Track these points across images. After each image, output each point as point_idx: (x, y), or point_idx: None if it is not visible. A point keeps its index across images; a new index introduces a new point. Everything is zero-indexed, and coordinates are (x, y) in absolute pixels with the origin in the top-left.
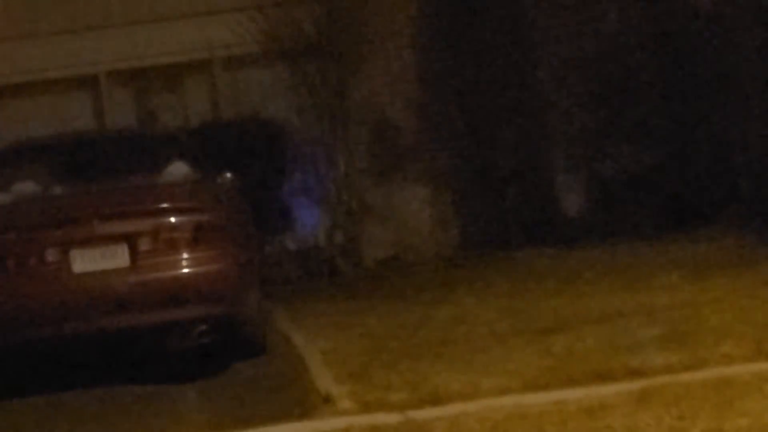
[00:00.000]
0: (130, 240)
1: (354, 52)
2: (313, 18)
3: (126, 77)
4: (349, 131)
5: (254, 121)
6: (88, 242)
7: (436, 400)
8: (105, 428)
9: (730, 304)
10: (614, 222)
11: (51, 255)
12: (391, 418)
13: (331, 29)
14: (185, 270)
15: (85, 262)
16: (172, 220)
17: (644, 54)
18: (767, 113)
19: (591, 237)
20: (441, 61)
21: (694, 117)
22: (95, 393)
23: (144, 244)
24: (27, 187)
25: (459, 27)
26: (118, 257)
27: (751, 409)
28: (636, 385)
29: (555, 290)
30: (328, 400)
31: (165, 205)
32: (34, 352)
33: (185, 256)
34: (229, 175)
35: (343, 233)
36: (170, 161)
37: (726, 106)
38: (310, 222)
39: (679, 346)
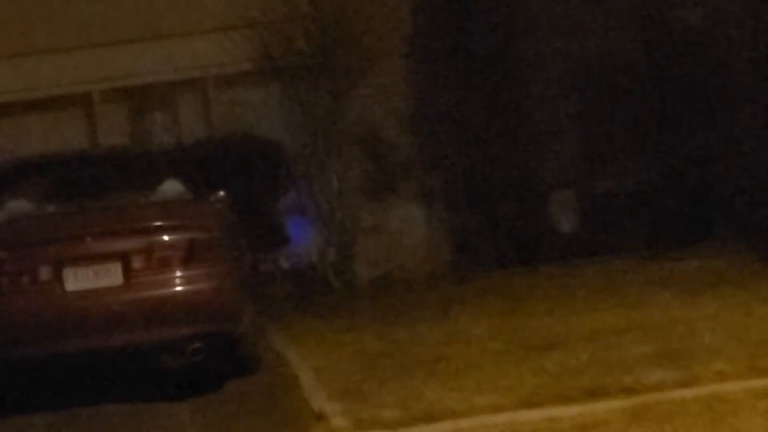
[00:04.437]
0: (123, 258)
1: (347, 70)
2: (306, 36)
3: (119, 95)
4: (343, 149)
5: (247, 139)
6: (81, 260)
7: (429, 418)
8: None
9: (723, 321)
10: (607, 239)
11: (44, 273)
12: None
13: (324, 47)
14: (178, 288)
15: (78, 280)
16: (166, 238)
17: (636, 71)
18: (760, 129)
19: (584, 254)
20: (434, 79)
21: (687, 133)
22: (89, 411)
23: (137, 263)
24: (20, 205)
25: (452, 45)
26: (111, 275)
27: (744, 426)
28: (629, 402)
29: (548, 308)
30: (321, 417)
31: (158, 224)
32: (27, 371)
33: (178, 274)
34: (222, 193)
35: (337, 251)
36: (163, 179)
37: (718, 122)
38: (303, 240)
39: (672, 363)
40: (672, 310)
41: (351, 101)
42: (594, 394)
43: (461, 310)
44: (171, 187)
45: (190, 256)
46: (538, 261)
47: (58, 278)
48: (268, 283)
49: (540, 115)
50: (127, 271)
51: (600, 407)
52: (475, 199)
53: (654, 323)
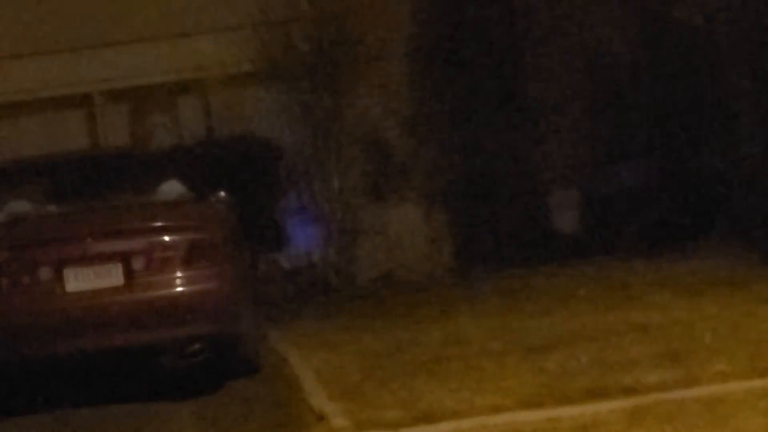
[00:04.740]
0: (124, 259)
1: (348, 70)
2: (306, 36)
3: (120, 96)
4: (343, 150)
5: (248, 140)
6: (81, 261)
7: (429, 418)
8: None
9: (723, 321)
10: (608, 240)
11: (45, 274)
12: None
13: (325, 48)
14: (179, 289)
15: (78, 280)
16: (166, 238)
17: (638, 72)
18: (760, 131)
19: (585, 255)
20: (434, 79)
21: (688, 135)
22: (89, 412)
23: (138, 263)
24: (21, 206)
25: (453, 46)
26: (112, 276)
27: (744, 427)
28: (630, 402)
29: (549, 308)
30: (321, 418)
31: (159, 224)
32: (27, 371)
33: (179, 274)
34: (222, 193)
35: (337, 252)
36: (164, 180)
37: (719, 123)
38: (303, 240)
39: (672, 363)
40: (672, 311)
41: (351, 101)
42: (594, 394)
43: (461, 310)
44: (171, 188)
45: (190, 257)
46: (538, 261)
47: (59, 279)
48: (268, 283)
49: (540, 116)
50: (128, 272)
51: (600, 408)
52: (475, 199)
53: (654, 323)
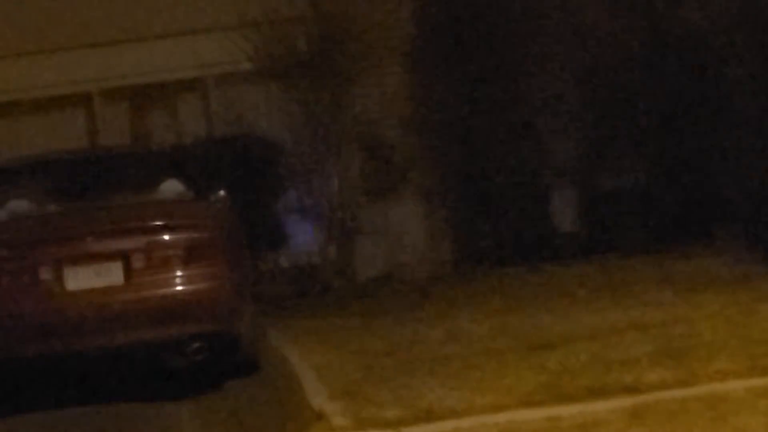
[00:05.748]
0: (124, 258)
1: (348, 69)
2: (306, 36)
3: (119, 95)
4: (343, 149)
5: (247, 139)
6: (81, 260)
7: (430, 417)
8: None
9: (723, 320)
10: (608, 238)
11: (45, 273)
12: None
13: (325, 47)
14: (179, 287)
15: (78, 279)
16: (166, 237)
17: (637, 71)
18: (760, 130)
19: (584, 253)
20: (434, 79)
21: (688, 133)
22: (89, 411)
23: (138, 262)
24: (21, 205)
25: (453, 45)
26: (112, 275)
27: (745, 425)
28: (630, 401)
29: (548, 307)
30: (321, 416)
31: (159, 223)
32: (27, 370)
33: (179, 273)
34: (222, 192)
35: (337, 250)
36: (163, 179)
37: (720, 122)
38: (303, 239)
39: (673, 362)
40: (672, 309)
41: (351, 101)
42: (594, 393)
43: (461, 309)
44: (171, 187)
45: (190, 256)
46: (539, 260)
47: (59, 278)
48: (268, 283)
49: (541, 114)
50: (128, 271)
51: (600, 406)
52: (475, 198)
53: (654, 322)
